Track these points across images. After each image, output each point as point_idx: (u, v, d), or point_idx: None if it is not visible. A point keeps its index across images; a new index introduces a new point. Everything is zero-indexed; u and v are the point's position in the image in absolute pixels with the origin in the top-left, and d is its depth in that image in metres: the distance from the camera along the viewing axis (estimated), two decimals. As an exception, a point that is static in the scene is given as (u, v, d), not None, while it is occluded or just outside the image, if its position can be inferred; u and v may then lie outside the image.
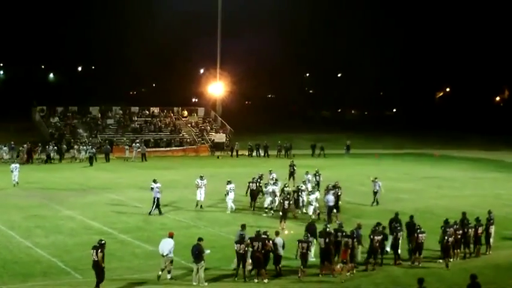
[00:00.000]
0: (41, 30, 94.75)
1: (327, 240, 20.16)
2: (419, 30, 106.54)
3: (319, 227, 21.79)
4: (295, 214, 28.77)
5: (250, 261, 19.55)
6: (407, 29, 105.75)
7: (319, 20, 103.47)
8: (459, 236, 22.06)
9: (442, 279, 19.89)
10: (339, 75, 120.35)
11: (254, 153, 60.87)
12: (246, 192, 31.71)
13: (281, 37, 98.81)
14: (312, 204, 28.38)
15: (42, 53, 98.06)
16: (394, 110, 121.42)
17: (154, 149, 60.29)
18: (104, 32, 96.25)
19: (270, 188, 30.17)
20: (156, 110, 71.54)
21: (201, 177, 30.97)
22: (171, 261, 19.17)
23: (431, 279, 19.05)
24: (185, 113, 72.26)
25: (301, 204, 29.54)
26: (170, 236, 19.60)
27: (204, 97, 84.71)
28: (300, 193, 29.58)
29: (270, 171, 34.62)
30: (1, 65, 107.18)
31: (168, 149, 62.15)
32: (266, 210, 29.78)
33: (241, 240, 19.55)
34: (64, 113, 66.54)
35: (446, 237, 21.30)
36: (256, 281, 19.15)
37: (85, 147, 53.78)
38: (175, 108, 72.51)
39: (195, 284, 18.69)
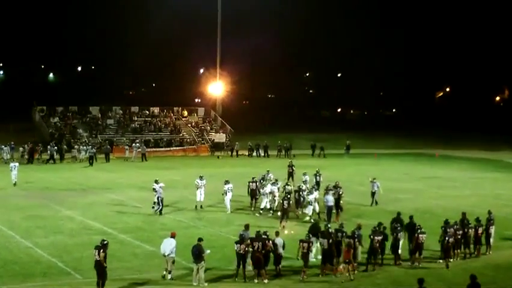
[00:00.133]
0: (41, 30, 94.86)
1: (330, 241, 20.14)
2: (419, 30, 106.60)
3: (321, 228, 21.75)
4: (297, 213, 28.71)
5: (250, 261, 19.55)
6: (407, 29, 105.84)
7: (319, 20, 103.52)
8: (459, 236, 22.05)
9: (442, 279, 19.87)
10: (339, 75, 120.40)
11: (254, 153, 60.84)
12: (248, 193, 31.67)
13: (281, 37, 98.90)
14: (311, 204, 28.34)
15: (42, 53, 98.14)
16: (394, 110, 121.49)
17: (154, 149, 60.26)
18: (104, 32, 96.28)
19: (268, 189, 30.03)
20: (156, 110, 71.47)
21: (201, 178, 30.91)
22: (173, 262, 19.17)
23: (431, 279, 19.05)
24: (185, 113, 72.21)
25: (302, 203, 29.44)
26: (173, 236, 19.56)
27: (204, 97, 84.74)
28: (301, 193, 29.46)
29: (268, 171, 34.58)
30: (1, 65, 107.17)
31: (168, 149, 62.11)
32: (261, 211, 29.57)
33: (241, 240, 19.56)
34: (63, 113, 66.45)
35: (446, 238, 21.30)
36: (256, 281, 19.14)
37: (85, 147, 53.76)
38: (175, 108, 72.44)
39: (195, 284, 18.68)
